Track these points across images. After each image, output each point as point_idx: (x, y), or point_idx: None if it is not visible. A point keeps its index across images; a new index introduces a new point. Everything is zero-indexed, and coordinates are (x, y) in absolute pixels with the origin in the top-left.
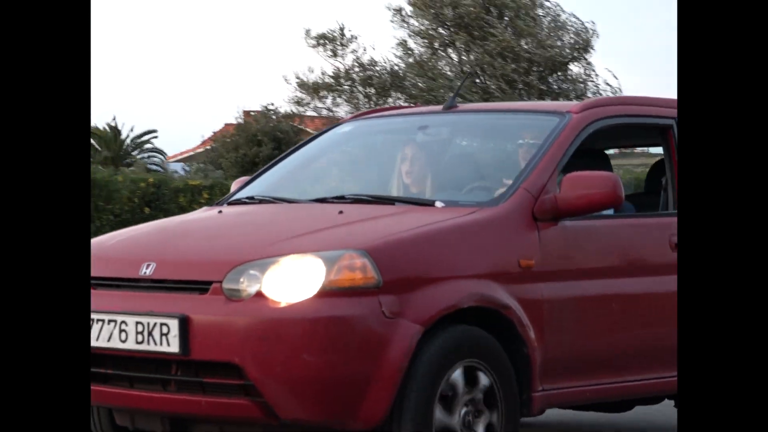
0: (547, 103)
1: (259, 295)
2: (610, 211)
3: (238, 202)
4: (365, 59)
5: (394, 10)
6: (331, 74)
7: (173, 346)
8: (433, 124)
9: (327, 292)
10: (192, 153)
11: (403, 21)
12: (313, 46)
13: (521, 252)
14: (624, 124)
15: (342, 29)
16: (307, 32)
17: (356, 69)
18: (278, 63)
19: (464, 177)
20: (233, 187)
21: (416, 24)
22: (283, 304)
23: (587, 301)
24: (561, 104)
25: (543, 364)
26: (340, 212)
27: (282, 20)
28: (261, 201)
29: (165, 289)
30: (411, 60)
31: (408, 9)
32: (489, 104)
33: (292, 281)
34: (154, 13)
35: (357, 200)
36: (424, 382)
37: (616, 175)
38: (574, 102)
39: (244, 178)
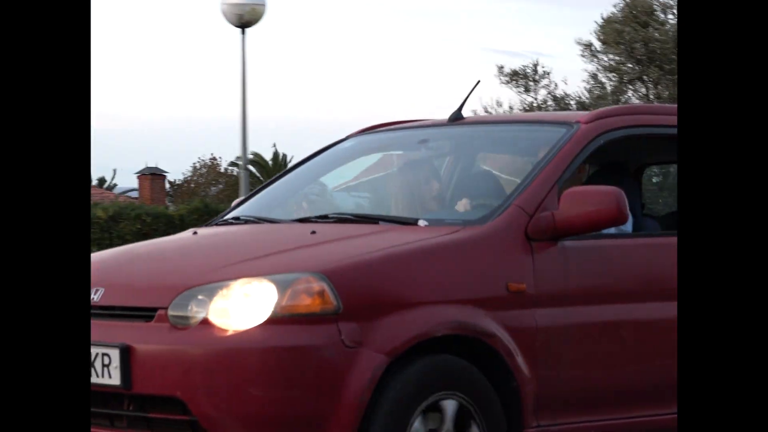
0: (558, 114)
1: (206, 322)
2: (629, 229)
3: (224, 222)
4: (558, 93)
5: (584, 44)
6: (522, 109)
7: (115, 379)
8: (436, 137)
9: (279, 319)
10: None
11: (593, 55)
12: (506, 82)
13: (511, 275)
14: (645, 135)
15: (536, 66)
16: (500, 69)
17: (548, 103)
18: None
19: (467, 193)
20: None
21: (606, 59)
22: (229, 333)
23: (591, 328)
24: (572, 114)
25: (537, 398)
26: (313, 232)
27: (466, 55)
28: (246, 221)
29: (112, 317)
30: (598, 92)
31: (597, 44)
32: (496, 116)
33: (241, 307)
34: (344, 43)
35: (340, 219)
36: (389, 420)
37: (620, 191)
38: (586, 112)
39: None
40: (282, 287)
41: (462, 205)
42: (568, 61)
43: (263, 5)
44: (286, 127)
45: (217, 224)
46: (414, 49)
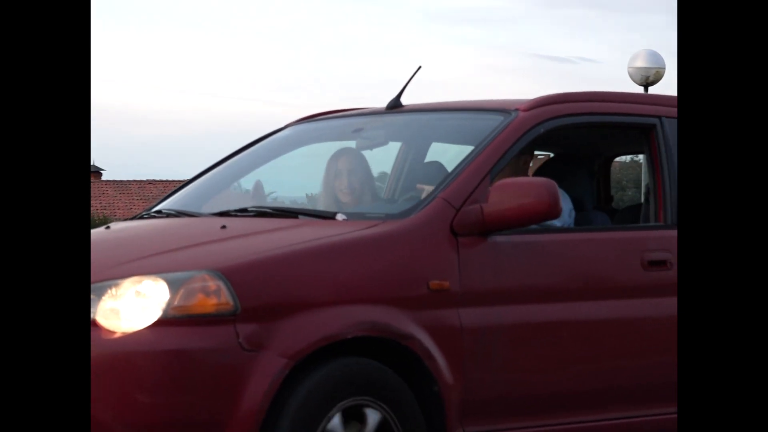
0: (498, 101)
1: (94, 324)
2: (570, 221)
3: (148, 215)
4: None
5: None
6: None
7: None
8: (371, 126)
9: (171, 320)
10: None
11: None
12: None
13: (432, 272)
14: (592, 123)
15: None
16: None
17: None
18: None
19: (402, 186)
20: None
21: None
22: (118, 335)
23: (522, 329)
24: (512, 101)
25: (463, 402)
26: (223, 227)
27: None
28: (168, 215)
29: None
30: None
31: None
32: (436, 103)
33: (131, 307)
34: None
35: (259, 213)
36: (293, 427)
37: (552, 182)
38: (529, 98)
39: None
40: (174, 286)
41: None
42: (613, 66)
43: (664, 68)
44: None
45: (141, 217)
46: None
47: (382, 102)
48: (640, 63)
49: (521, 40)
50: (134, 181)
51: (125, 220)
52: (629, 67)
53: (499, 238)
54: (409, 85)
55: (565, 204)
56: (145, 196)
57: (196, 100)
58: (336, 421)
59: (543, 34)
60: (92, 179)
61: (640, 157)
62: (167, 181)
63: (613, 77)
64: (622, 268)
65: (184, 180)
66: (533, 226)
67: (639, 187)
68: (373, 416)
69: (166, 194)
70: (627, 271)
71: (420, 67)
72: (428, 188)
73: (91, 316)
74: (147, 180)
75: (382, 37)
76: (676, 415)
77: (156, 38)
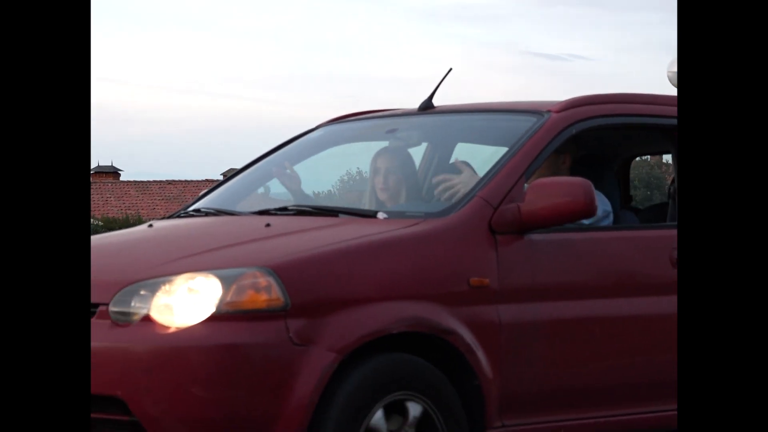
0: (530, 102)
1: (148, 319)
2: (609, 222)
3: (186, 214)
4: None
5: None
6: None
7: None
8: (404, 127)
9: (224, 316)
10: None
11: None
12: None
13: (472, 269)
14: (620, 125)
15: None
16: None
17: None
18: None
19: (428, 186)
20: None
21: None
22: (172, 330)
23: (558, 325)
24: (544, 103)
25: (502, 396)
26: (267, 225)
27: None
28: (207, 213)
29: None
30: None
31: None
32: (468, 104)
33: (184, 303)
34: None
35: (300, 212)
36: (340, 420)
37: (588, 182)
38: (560, 100)
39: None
40: (227, 282)
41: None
42: (606, 63)
43: None
44: None
45: (179, 216)
46: (453, 54)
47: (371, 99)
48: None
49: (513, 37)
50: (154, 181)
51: (164, 218)
52: (668, 72)
53: (536, 237)
54: (441, 86)
55: (603, 205)
56: (166, 196)
57: (197, 100)
58: (379, 414)
59: (535, 32)
60: (111, 179)
61: (647, 157)
62: (186, 181)
63: (606, 74)
64: (652, 266)
65: (201, 180)
66: (568, 225)
67: (647, 186)
68: (415, 409)
69: (195, 194)
70: (657, 269)
71: (451, 69)
72: (462, 166)
73: (145, 311)
74: (166, 180)
75: (373, 35)
76: None
77: (160, 39)
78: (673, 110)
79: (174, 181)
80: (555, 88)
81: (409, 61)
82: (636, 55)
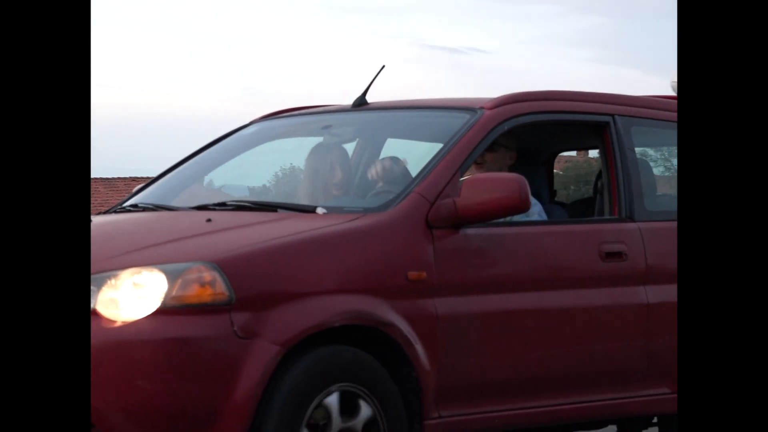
0: (462, 99)
1: (93, 313)
2: (543, 217)
3: (122, 210)
4: None
5: None
6: None
7: None
8: (340, 123)
9: (169, 310)
10: None
11: None
12: None
13: (410, 263)
14: (550, 121)
15: None
16: None
17: None
18: None
19: (359, 182)
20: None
21: None
22: (117, 324)
23: (494, 317)
24: (476, 100)
25: (439, 388)
26: (208, 220)
27: None
28: (144, 209)
29: None
30: None
31: None
32: (402, 101)
33: (130, 298)
34: None
35: (238, 207)
36: (284, 413)
37: (522, 177)
38: (491, 97)
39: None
40: (172, 277)
41: (374, 170)
42: (503, 57)
43: None
44: None
45: (115, 212)
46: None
47: (275, 93)
48: None
49: (411, 30)
50: (119, 178)
51: (102, 214)
52: (672, 82)
53: (471, 231)
54: (374, 83)
55: (535, 206)
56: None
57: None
58: (329, 401)
59: (432, 25)
60: None
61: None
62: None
63: (504, 68)
64: (582, 260)
65: None
66: (501, 220)
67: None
68: (355, 401)
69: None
70: (586, 263)
71: (384, 66)
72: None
73: (91, 306)
74: (131, 177)
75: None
76: (634, 399)
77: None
78: (602, 107)
79: (138, 177)
80: (454, 82)
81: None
82: (533, 48)
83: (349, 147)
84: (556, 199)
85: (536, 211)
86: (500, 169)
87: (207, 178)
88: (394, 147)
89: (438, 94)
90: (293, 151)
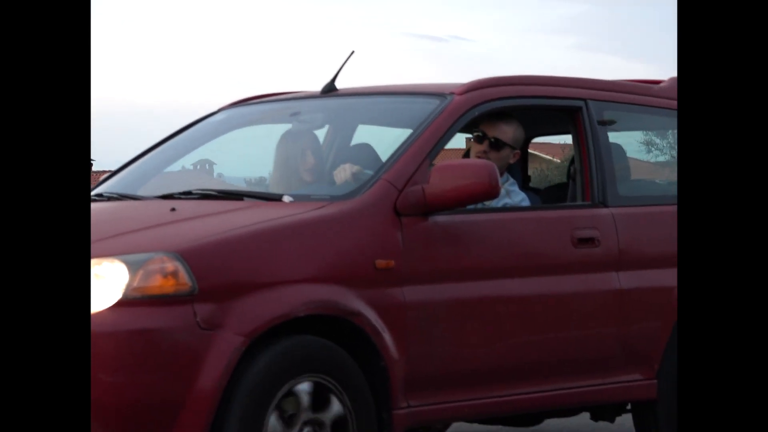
0: (432, 85)
1: None
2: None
3: None
4: None
5: None
6: None
7: None
8: (308, 110)
9: (130, 301)
10: None
11: None
12: None
13: (378, 251)
14: (522, 106)
15: None
16: None
17: None
18: None
19: (331, 169)
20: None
21: None
22: None
23: (464, 305)
24: (446, 86)
25: (408, 377)
26: (173, 209)
27: None
28: (109, 198)
29: None
30: None
31: None
32: (371, 86)
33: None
34: None
35: (204, 196)
36: (248, 405)
37: (492, 164)
38: (462, 82)
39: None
40: (133, 267)
41: (342, 172)
42: (486, 45)
43: None
44: None
45: None
46: (334, 34)
47: (258, 81)
48: None
49: (393, 18)
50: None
51: None
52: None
53: (440, 218)
54: (343, 69)
55: (516, 196)
56: None
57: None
58: (295, 391)
59: (415, 13)
60: None
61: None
62: None
63: (486, 56)
64: (554, 246)
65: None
66: (471, 207)
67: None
68: (322, 392)
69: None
70: (558, 249)
71: (353, 52)
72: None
73: None
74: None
75: (259, 17)
76: (607, 386)
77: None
78: (573, 92)
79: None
80: (437, 71)
81: (290, 42)
82: (517, 36)
83: (321, 134)
84: (530, 185)
85: (518, 200)
86: (500, 168)
87: (216, 171)
88: (365, 133)
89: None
90: (261, 138)
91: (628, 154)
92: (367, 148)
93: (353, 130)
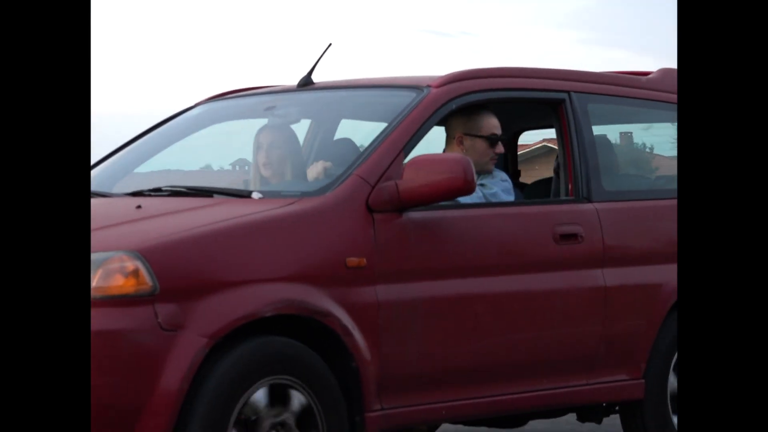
0: (410, 77)
1: None
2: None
3: None
4: None
5: None
6: None
7: None
8: (284, 104)
9: (91, 302)
10: None
11: None
12: None
13: (349, 249)
14: (501, 99)
15: None
16: None
17: None
18: None
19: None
20: None
21: None
22: None
23: (440, 303)
24: (423, 78)
25: (381, 378)
26: (138, 207)
27: None
28: None
29: None
30: None
31: None
32: (348, 80)
33: None
34: None
35: (174, 193)
36: (211, 408)
37: (467, 158)
38: (440, 75)
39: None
40: (93, 267)
41: (314, 169)
42: (493, 40)
43: None
44: None
45: None
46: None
47: (250, 74)
48: None
49: (400, 13)
50: None
51: None
52: None
53: (414, 215)
54: (320, 62)
55: (508, 195)
56: None
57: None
58: (260, 395)
59: (423, 8)
60: None
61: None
62: None
63: (494, 51)
64: (535, 243)
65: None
66: (447, 202)
67: None
68: (291, 395)
69: None
70: (539, 245)
71: (330, 45)
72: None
73: None
74: None
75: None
76: (592, 386)
77: None
78: (556, 84)
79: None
80: (443, 66)
81: (295, 36)
82: (522, 30)
83: (301, 129)
84: (519, 180)
85: (499, 188)
86: (485, 163)
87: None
88: (348, 128)
89: None
90: (239, 134)
91: (655, 151)
92: (348, 143)
93: (336, 124)
